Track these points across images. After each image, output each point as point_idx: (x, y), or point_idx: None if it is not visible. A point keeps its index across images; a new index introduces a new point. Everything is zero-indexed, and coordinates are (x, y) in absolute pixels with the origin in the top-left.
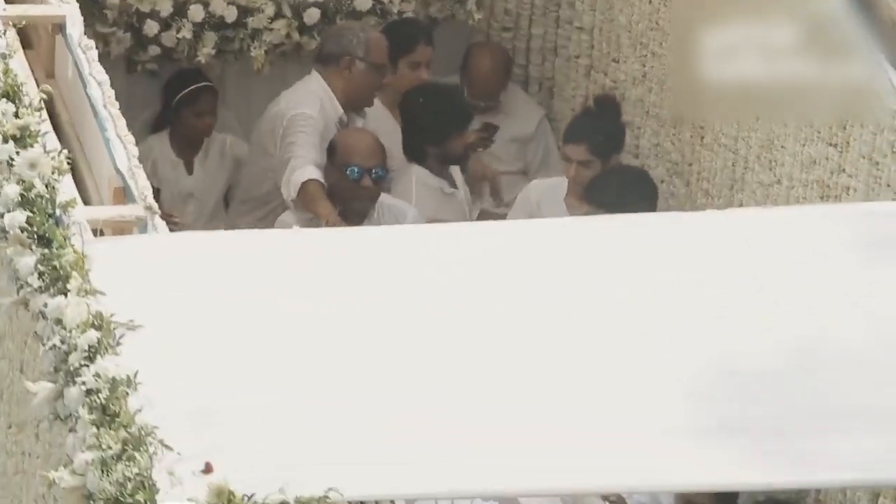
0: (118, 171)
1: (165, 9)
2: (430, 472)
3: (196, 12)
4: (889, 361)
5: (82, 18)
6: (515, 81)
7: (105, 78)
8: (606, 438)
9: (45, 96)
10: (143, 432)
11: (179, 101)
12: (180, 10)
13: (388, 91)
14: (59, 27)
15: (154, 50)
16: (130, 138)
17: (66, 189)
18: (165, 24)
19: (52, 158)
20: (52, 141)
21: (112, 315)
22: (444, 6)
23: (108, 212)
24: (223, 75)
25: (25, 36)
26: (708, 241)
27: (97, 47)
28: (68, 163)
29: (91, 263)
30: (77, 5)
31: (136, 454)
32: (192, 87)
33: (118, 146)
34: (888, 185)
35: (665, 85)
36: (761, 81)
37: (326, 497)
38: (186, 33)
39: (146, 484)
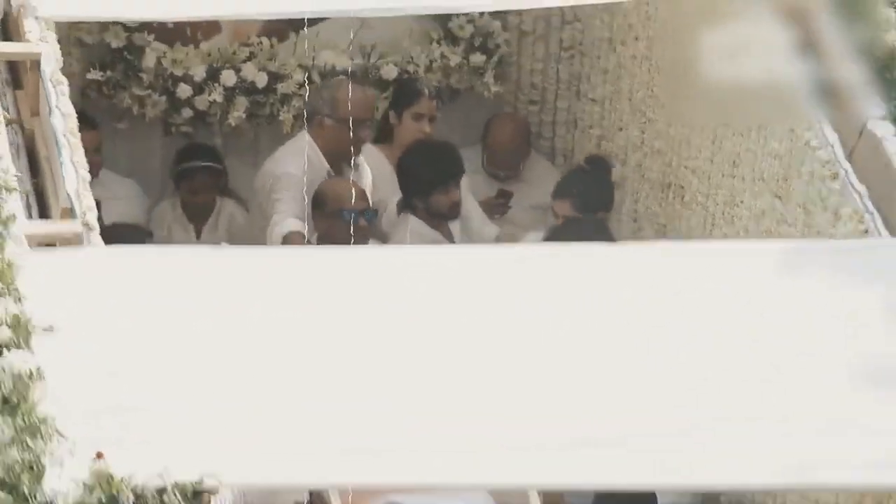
0: (67, 193)
1: (199, 73)
2: (317, 462)
3: (228, 77)
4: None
5: (60, 57)
6: (541, 152)
7: (70, 111)
8: (564, 437)
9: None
10: (39, 421)
11: (177, 177)
12: (213, 75)
13: (393, 141)
14: (37, 64)
15: (187, 113)
16: (84, 164)
17: (12, 206)
18: (199, 88)
19: None
20: (6, 163)
21: (29, 317)
22: (464, 78)
23: (46, 227)
24: (256, 138)
25: (17, 76)
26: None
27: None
28: (28, 187)
29: (21, 272)
30: (55, 43)
31: (30, 440)
32: (184, 165)
33: (70, 171)
34: (818, 232)
35: (656, 148)
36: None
37: (202, 482)
38: (218, 97)
39: (34, 467)
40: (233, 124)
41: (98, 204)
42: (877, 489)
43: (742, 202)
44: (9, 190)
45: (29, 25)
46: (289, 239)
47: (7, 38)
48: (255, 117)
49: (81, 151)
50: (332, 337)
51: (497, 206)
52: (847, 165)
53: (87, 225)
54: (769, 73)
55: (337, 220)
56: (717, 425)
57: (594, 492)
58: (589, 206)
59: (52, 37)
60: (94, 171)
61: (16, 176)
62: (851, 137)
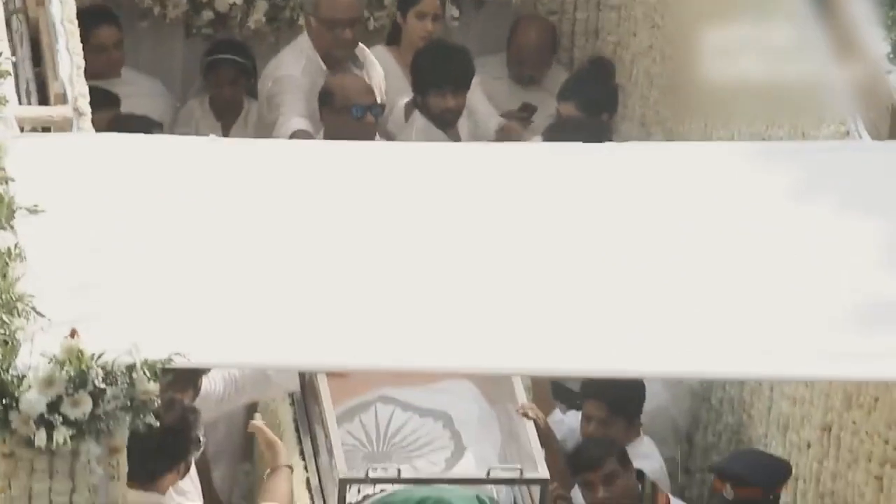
0: (59, 78)
1: None
2: (291, 344)
3: None
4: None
5: None
6: (561, 63)
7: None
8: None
9: None
10: (16, 298)
11: (206, 70)
12: None
13: (401, 42)
14: None
15: (208, 15)
16: (79, 51)
17: (5, 90)
18: None
19: None
20: (1, 46)
21: (13, 196)
22: None
23: (37, 111)
24: (276, 42)
25: None
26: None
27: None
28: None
29: (10, 153)
30: None
31: (5, 317)
32: (213, 57)
33: (65, 57)
34: (803, 135)
35: (666, 54)
36: None
37: (170, 360)
38: (238, 0)
39: (9, 342)
40: (252, 27)
41: (120, 100)
42: (845, 380)
43: (736, 105)
44: (2, 75)
45: None
46: (296, 137)
47: None
48: (275, 21)
49: (77, 38)
50: (319, 224)
51: (520, 120)
52: (833, 68)
53: (77, 110)
54: None
55: (344, 116)
56: (702, 316)
57: (581, 381)
58: (593, 107)
59: None
60: (115, 68)
61: (12, 61)
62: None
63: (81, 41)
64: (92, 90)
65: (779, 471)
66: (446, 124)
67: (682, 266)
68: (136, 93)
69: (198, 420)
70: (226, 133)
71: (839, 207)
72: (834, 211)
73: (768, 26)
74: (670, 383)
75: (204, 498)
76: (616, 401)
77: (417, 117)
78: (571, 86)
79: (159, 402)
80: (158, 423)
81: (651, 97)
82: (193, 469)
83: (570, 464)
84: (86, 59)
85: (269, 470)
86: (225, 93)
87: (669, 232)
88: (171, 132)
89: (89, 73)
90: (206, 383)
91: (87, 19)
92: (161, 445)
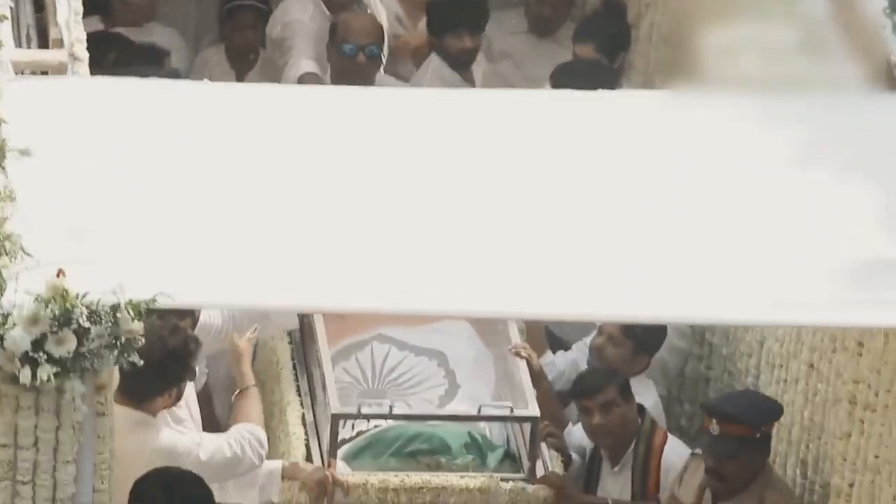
0: (57, 23)
1: None
2: (281, 285)
3: None
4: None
5: None
6: (575, 21)
7: None
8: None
9: None
10: (3, 237)
11: (223, 16)
12: None
13: None
14: None
15: None
16: None
17: (2, 34)
18: None
19: None
20: None
21: (5, 139)
22: None
23: (32, 55)
24: None
25: None
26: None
27: None
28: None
29: (4, 97)
30: None
31: None
32: (233, 3)
33: (63, 2)
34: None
35: (670, 6)
36: None
37: (155, 300)
38: None
39: None
40: None
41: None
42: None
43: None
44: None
45: None
46: (303, 80)
47: None
48: None
49: None
50: (319, 167)
51: None
52: (833, 24)
53: (73, 55)
54: None
55: (339, 55)
56: (698, 262)
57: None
58: (609, 47)
59: None
60: (147, 16)
61: (10, 6)
62: None
63: None
64: (104, 35)
65: (766, 411)
66: (462, 66)
67: (680, 213)
68: (155, 42)
69: (198, 350)
70: (239, 81)
71: (832, 160)
72: (827, 164)
73: None
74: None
75: (205, 429)
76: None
77: (433, 59)
78: (587, 27)
79: (163, 326)
80: (161, 346)
81: (654, 49)
82: (194, 400)
83: (572, 389)
84: (110, 9)
85: (237, 391)
86: (244, 37)
87: (669, 180)
88: None
89: (109, 23)
90: (205, 317)
91: None
92: (158, 367)
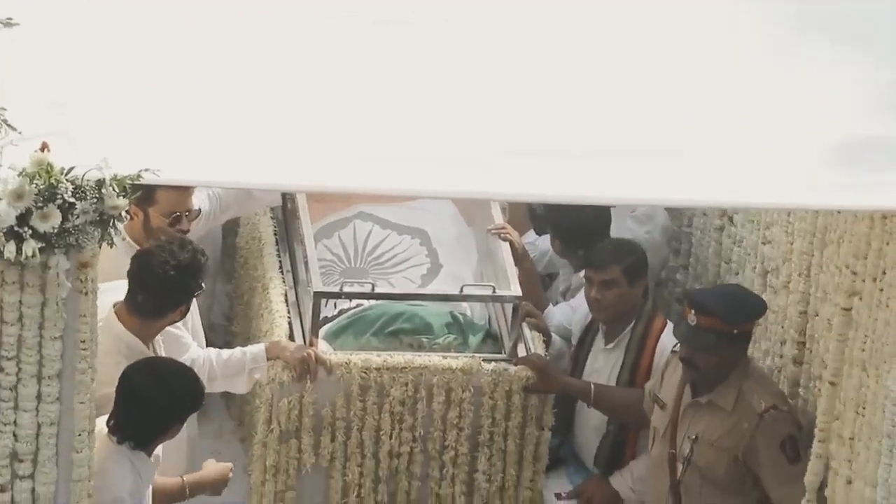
0: None
1: None
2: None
3: None
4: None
5: None
6: None
7: None
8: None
9: None
10: None
11: None
12: None
13: None
14: None
15: None
16: None
17: None
18: None
19: None
20: None
21: None
22: None
23: None
24: None
25: None
26: None
27: None
28: None
29: None
30: None
31: None
32: None
33: None
34: None
35: None
36: None
37: (140, 176)
38: None
39: None
40: None
41: None
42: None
43: None
44: None
45: None
46: None
47: None
48: None
49: None
50: (299, 44)
51: None
52: None
53: None
54: None
55: None
56: (673, 144)
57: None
58: None
59: None
60: None
61: None
62: None
63: None
64: None
65: (747, 309)
66: None
67: (664, 90)
68: None
69: (206, 262)
70: None
71: (824, 36)
72: (818, 40)
73: None
74: (643, 221)
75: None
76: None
77: None
78: None
79: (173, 241)
80: (174, 261)
81: None
82: (196, 311)
83: (584, 257)
84: None
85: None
86: None
87: (656, 49)
88: None
89: None
90: (194, 202)
91: None
92: (172, 282)
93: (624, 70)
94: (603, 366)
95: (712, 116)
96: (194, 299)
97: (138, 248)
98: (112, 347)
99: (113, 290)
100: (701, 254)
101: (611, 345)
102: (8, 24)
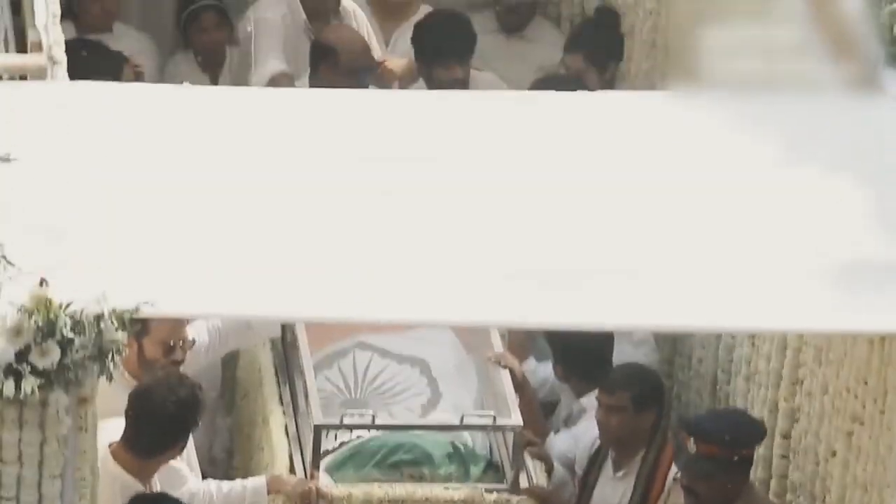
0: (35, 26)
1: None
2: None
3: None
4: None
5: None
6: (547, 17)
7: None
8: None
9: None
10: None
11: (185, 21)
12: None
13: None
14: None
15: None
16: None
17: None
18: None
19: None
20: None
21: None
22: None
23: (10, 59)
24: None
25: None
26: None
27: None
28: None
29: None
30: None
31: None
32: (192, 7)
33: (40, 5)
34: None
35: (648, 9)
36: None
37: (138, 309)
38: None
39: None
40: None
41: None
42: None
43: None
44: None
45: None
46: (275, 81)
47: None
48: None
49: None
50: (298, 173)
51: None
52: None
53: (52, 59)
54: None
55: (347, 77)
56: (680, 269)
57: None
58: (600, 59)
59: None
60: (108, 20)
61: None
62: None
63: None
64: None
65: (747, 434)
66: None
67: (660, 218)
68: (126, 48)
69: (203, 398)
70: (213, 83)
71: (815, 160)
72: (810, 164)
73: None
74: (637, 344)
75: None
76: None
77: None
78: (578, 36)
79: (170, 377)
80: (172, 399)
81: (634, 52)
82: (191, 444)
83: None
84: (80, 11)
85: None
86: (210, 38)
87: (652, 183)
88: None
89: (83, 26)
90: (192, 333)
91: None
92: (168, 422)
93: (622, 194)
94: (611, 495)
95: (705, 240)
96: None
97: (133, 380)
98: (108, 490)
99: (106, 429)
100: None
101: (620, 473)
102: (6, 159)
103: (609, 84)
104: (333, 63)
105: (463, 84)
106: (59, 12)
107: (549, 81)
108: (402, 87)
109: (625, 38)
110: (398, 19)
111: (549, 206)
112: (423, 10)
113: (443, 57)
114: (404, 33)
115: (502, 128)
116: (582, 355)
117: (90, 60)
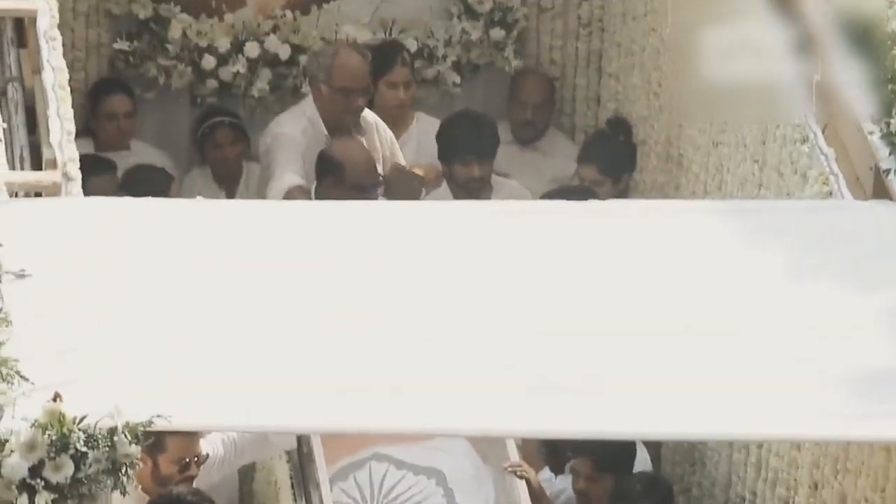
0: (50, 144)
1: (223, 45)
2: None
3: (252, 49)
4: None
5: (56, 14)
6: (562, 129)
7: (60, 64)
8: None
9: None
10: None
11: (200, 137)
12: (237, 47)
13: (376, 111)
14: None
15: (212, 83)
16: (69, 116)
17: None
18: (223, 60)
19: None
20: None
21: None
22: (484, 53)
23: (25, 176)
24: (280, 110)
25: (23, 36)
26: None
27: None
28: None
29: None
30: (52, 1)
31: None
32: (207, 122)
33: (55, 123)
34: (788, 195)
35: (662, 121)
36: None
37: (151, 422)
38: (242, 68)
39: None
40: (256, 95)
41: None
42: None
43: (728, 169)
44: None
45: None
46: (291, 194)
47: None
48: (279, 89)
49: (69, 104)
50: (310, 285)
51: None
52: (816, 129)
53: (66, 175)
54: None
55: (352, 192)
56: (690, 377)
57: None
58: (613, 169)
59: None
60: (125, 138)
61: (3, 128)
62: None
63: (94, 112)
64: (93, 158)
65: None
66: (471, 194)
67: (669, 327)
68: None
69: None
70: (229, 198)
71: (824, 269)
72: (819, 274)
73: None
74: (650, 445)
75: None
76: (604, 457)
77: (444, 186)
78: (591, 148)
79: (184, 494)
80: None
81: (649, 164)
82: None
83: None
84: (97, 130)
85: None
86: (225, 153)
87: (659, 293)
88: None
89: (100, 144)
90: (207, 447)
91: (100, 90)
92: None
93: (632, 304)
94: None
95: (719, 351)
96: None
97: (147, 497)
98: None
99: None
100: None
101: None
102: (21, 275)
103: (623, 195)
104: (339, 178)
105: (483, 184)
106: (73, 130)
107: (561, 192)
108: (428, 190)
109: (637, 148)
110: (397, 130)
111: (563, 316)
112: (419, 119)
113: (464, 155)
114: (403, 144)
115: (514, 239)
116: (603, 458)
117: (140, 178)
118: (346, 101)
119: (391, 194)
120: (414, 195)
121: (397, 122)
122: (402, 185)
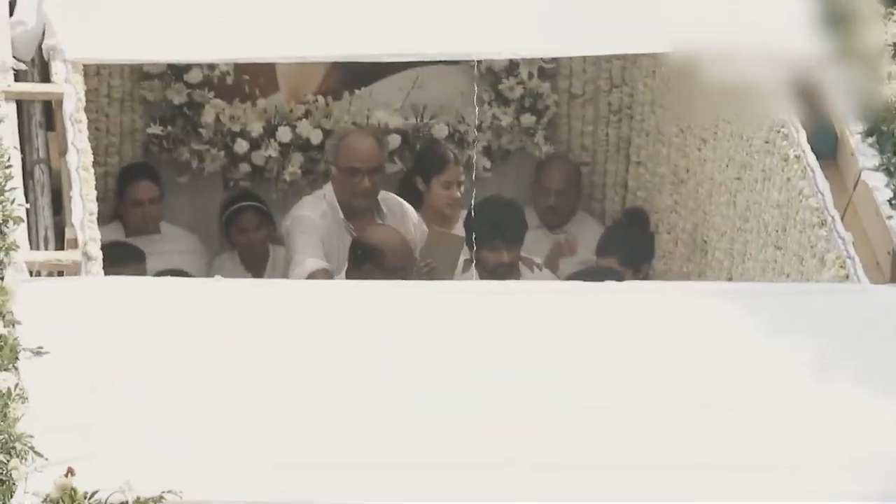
0: (72, 224)
1: (256, 129)
2: (283, 480)
3: (284, 134)
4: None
5: (82, 97)
6: (593, 215)
7: (85, 146)
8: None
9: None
10: (13, 438)
11: (225, 222)
12: (270, 132)
13: (427, 209)
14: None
15: (245, 167)
16: (92, 197)
17: (17, 236)
18: (256, 144)
19: (4, 208)
20: (16, 194)
21: (17, 339)
22: (515, 138)
23: (46, 255)
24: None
25: (51, 119)
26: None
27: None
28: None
29: (17, 297)
30: (80, 84)
31: (2, 457)
32: (232, 207)
33: (78, 203)
34: (807, 279)
35: (689, 208)
36: None
37: (162, 497)
38: (274, 153)
39: (5, 483)
40: (288, 179)
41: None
42: None
43: (751, 255)
44: (14, 221)
45: (57, 68)
46: (314, 277)
47: (45, 81)
48: (311, 173)
49: (92, 185)
50: (325, 364)
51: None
52: (834, 213)
53: (86, 255)
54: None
55: (390, 276)
56: (697, 461)
57: None
58: (631, 259)
59: (79, 79)
60: (153, 224)
61: (26, 208)
62: (847, 187)
63: (122, 198)
64: (122, 247)
65: None
66: (500, 279)
67: (677, 412)
68: (174, 249)
69: None
70: None
71: (839, 351)
72: (834, 354)
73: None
74: None
75: None
76: None
77: (473, 271)
78: (610, 240)
79: None
80: None
81: (676, 253)
82: None
83: None
84: (125, 215)
85: None
86: (250, 238)
87: (669, 376)
88: None
89: (129, 229)
90: None
91: (127, 176)
92: None
93: (650, 396)
94: None
95: (737, 442)
96: None
97: None
98: None
99: None
100: None
101: None
102: (39, 353)
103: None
104: (378, 263)
105: (511, 270)
106: (95, 210)
107: (584, 275)
108: (457, 276)
109: (654, 237)
110: (448, 226)
111: (581, 392)
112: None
113: (491, 240)
114: None
115: (533, 318)
116: None
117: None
118: (352, 182)
119: (433, 257)
120: (454, 256)
121: (449, 220)
122: (443, 247)
